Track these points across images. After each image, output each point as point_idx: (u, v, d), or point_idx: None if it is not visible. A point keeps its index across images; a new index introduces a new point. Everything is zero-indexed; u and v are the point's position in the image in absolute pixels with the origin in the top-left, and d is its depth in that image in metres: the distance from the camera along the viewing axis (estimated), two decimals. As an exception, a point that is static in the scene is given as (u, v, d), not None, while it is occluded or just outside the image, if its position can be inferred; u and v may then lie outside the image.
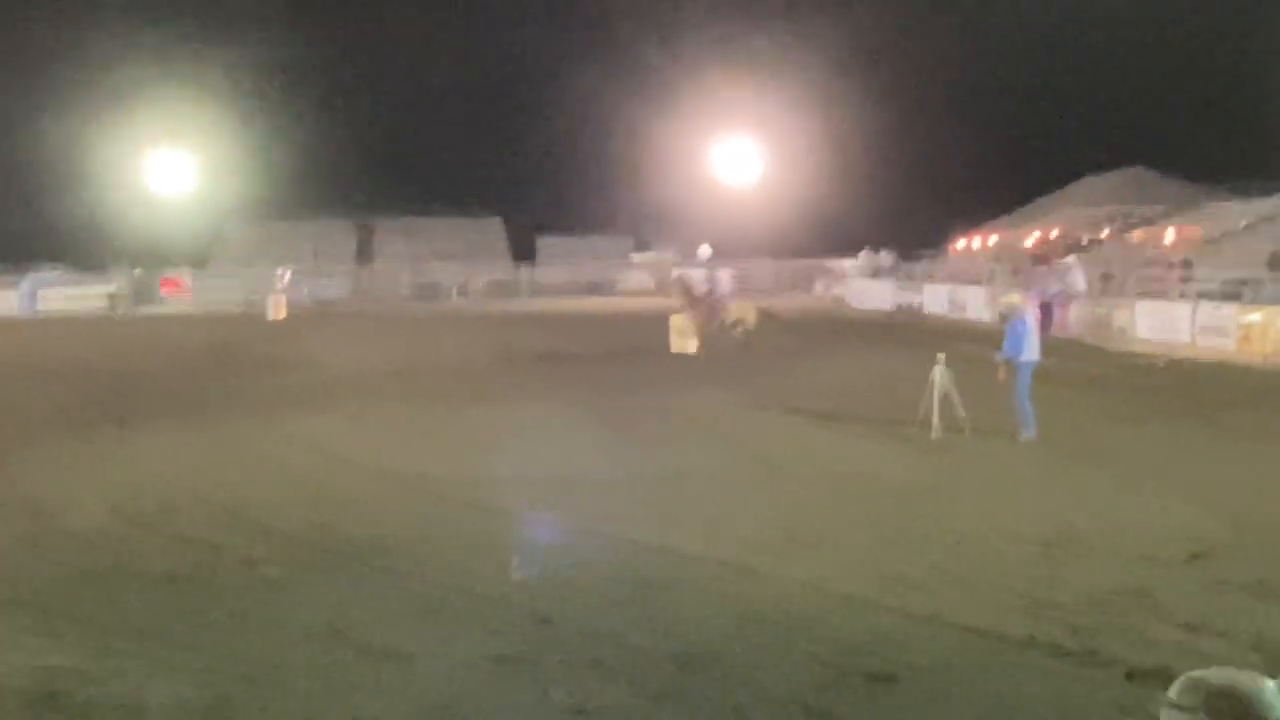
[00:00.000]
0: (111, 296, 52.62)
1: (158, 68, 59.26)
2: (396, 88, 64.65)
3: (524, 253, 61.71)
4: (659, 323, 27.98)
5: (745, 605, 8.56)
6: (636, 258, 61.70)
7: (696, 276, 27.17)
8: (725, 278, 26.65)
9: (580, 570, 9.56)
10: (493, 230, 63.76)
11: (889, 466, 13.64)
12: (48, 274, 54.68)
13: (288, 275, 50.34)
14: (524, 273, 58.62)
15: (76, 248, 58.42)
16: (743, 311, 26.55)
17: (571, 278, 56.94)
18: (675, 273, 30.28)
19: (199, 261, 58.19)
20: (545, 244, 62.28)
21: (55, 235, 58.57)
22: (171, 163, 60.22)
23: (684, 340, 25.89)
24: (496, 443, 15.67)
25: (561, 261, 59.14)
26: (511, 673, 7.36)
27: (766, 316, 26.59)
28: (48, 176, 59.89)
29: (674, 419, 17.61)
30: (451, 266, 57.44)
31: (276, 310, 43.72)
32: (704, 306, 26.33)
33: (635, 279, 56.55)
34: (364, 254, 61.93)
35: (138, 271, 55.26)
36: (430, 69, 66.82)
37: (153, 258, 56.38)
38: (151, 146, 59.53)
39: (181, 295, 55.48)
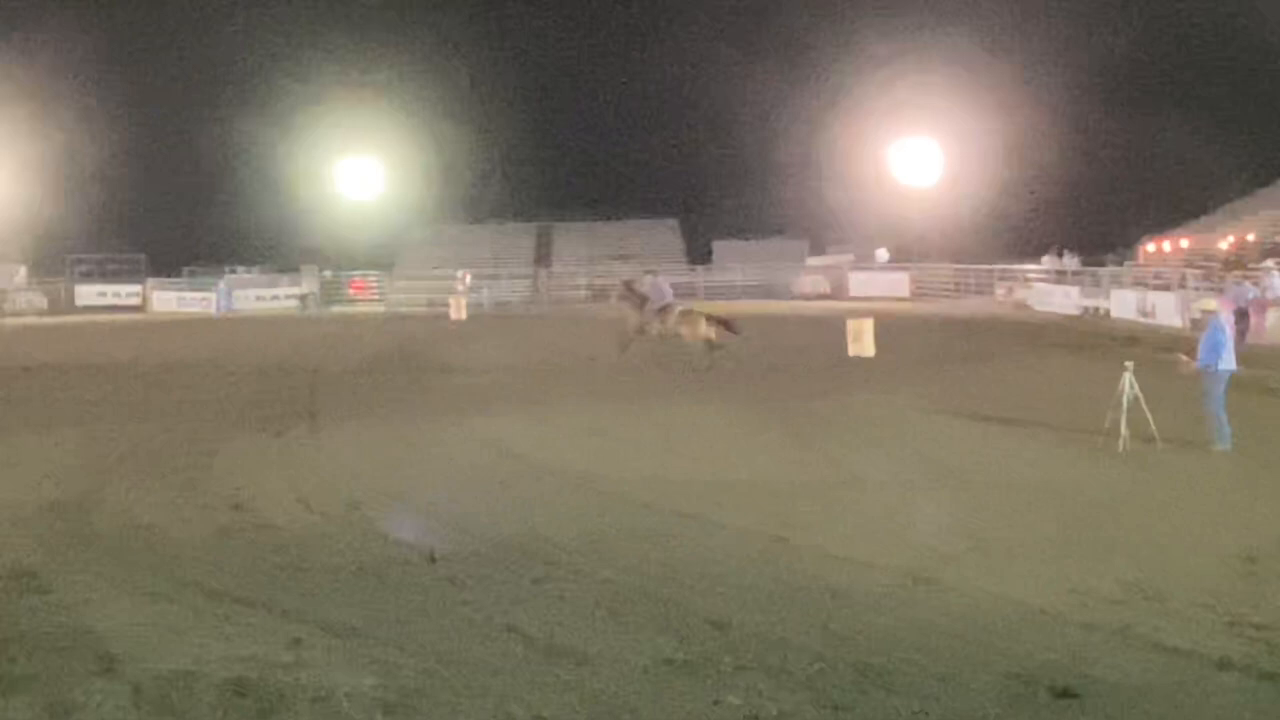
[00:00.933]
0: (303, 297, 54.65)
1: (347, 76, 61.46)
2: (576, 93, 65.51)
3: (700, 256, 61.71)
4: (833, 326, 27.72)
5: (927, 615, 8.42)
6: (812, 261, 61.22)
7: (647, 284, 26.64)
8: (665, 285, 26.08)
9: (757, 575, 9.52)
10: (669, 233, 63.94)
11: (1075, 476, 13.25)
12: (243, 275, 57.05)
13: (468, 277, 51.42)
14: (700, 275, 58.64)
15: (270, 250, 61.03)
16: (691, 321, 25.67)
17: (747, 280, 56.68)
18: (620, 278, 30.43)
19: (385, 264, 59.84)
20: (721, 247, 62.14)
21: (251, 238, 61.32)
22: (360, 169, 62.11)
23: (861, 343, 25.56)
24: (671, 444, 15.71)
25: (737, 264, 58.94)
26: (685, 676, 7.37)
27: (720, 325, 25.56)
28: (244, 183, 62.68)
29: (849, 422, 17.42)
30: (628, 269, 57.82)
31: (458, 311, 44.65)
32: (642, 309, 25.84)
33: (810, 282, 56.07)
34: (542, 257, 62.81)
35: (327, 273, 57.21)
36: (608, 74, 67.57)
37: (342, 260, 58.32)
38: (341, 153, 61.54)
39: (369, 296, 57.22)
